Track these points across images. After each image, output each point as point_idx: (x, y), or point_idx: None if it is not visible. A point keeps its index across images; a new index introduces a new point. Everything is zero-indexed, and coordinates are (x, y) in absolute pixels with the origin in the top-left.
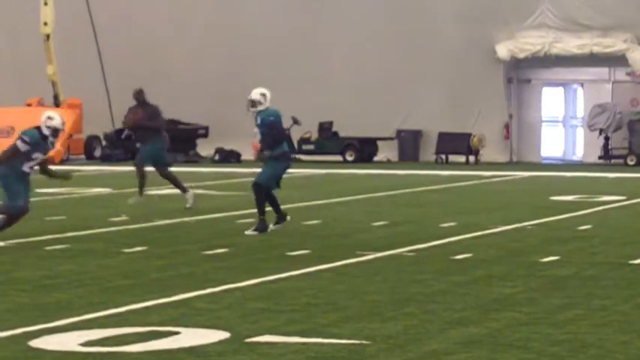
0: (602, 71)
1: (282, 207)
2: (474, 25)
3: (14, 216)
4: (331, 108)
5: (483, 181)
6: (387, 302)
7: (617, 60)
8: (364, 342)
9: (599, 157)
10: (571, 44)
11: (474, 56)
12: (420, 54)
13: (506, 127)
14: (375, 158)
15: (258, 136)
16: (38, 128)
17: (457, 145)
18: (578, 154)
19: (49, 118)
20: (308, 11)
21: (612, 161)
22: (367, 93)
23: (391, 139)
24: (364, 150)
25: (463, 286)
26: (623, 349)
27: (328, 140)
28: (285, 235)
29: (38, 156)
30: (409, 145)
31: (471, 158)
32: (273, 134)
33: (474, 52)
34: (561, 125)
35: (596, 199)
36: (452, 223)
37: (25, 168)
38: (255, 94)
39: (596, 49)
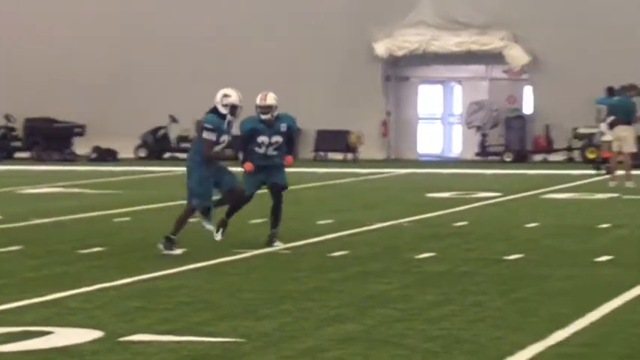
0: (480, 69)
1: (158, 205)
2: (353, 23)
3: (239, 199)
4: (209, 106)
5: (361, 178)
6: (262, 300)
7: (494, 57)
8: (239, 340)
9: (476, 154)
10: (449, 42)
11: (353, 54)
12: (298, 52)
13: (384, 124)
14: None
15: (274, 146)
16: (215, 110)
17: (335, 142)
18: (456, 151)
19: (226, 95)
20: (189, 8)
21: (489, 158)
22: (245, 90)
23: None
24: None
25: (339, 283)
26: (497, 344)
27: None
28: (161, 234)
29: (225, 138)
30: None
31: (349, 155)
32: (292, 139)
33: (352, 49)
34: (439, 122)
35: (472, 196)
36: (329, 221)
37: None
38: (271, 98)
39: (473, 47)
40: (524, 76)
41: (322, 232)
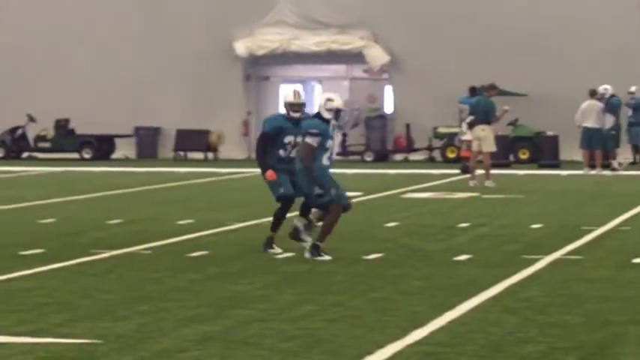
0: (340, 68)
1: (16, 206)
2: (212, 22)
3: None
4: (68, 105)
5: (221, 178)
6: (120, 301)
7: (354, 57)
8: (96, 341)
9: (337, 154)
10: (309, 41)
11: (213, 53)
12: (158, 51)
13: (245, 124)
14: (113, 156)
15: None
16: (318, 116)
17: (196, 142)
18: None
19: (329, 100)
20: (49, 9)
21: (350, 157)
22: (105, 90)
23: (129, 136)
24: (102, 147)
25: (198, 283)
26: (356, 343)
27: (65, 138)
28: (18, 235)
29: (330, 143)
30: (147, 142)
31: (210, 155)
32: None
33: (212, 49)
34: None
35: None
36: (189, 221)
37: (325, 161)
38: (303, 95)
39: (333, 47)
40: (385, 76)
41: (182, 232)
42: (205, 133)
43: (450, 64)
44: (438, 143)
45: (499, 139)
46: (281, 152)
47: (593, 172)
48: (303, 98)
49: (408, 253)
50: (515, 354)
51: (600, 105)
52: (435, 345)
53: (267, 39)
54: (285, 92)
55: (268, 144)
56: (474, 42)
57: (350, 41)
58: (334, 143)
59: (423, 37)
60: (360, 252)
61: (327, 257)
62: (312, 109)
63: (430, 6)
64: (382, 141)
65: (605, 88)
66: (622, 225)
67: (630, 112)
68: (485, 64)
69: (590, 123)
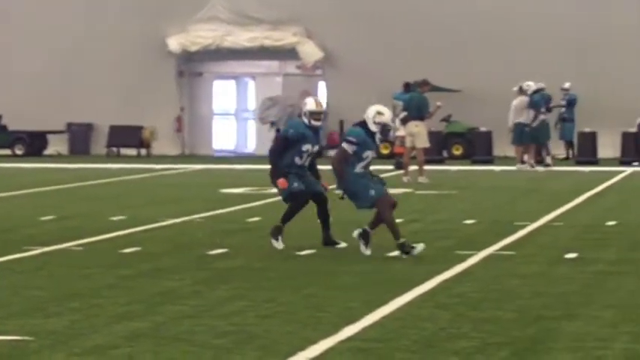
0: (273, 64)
1: None
2: (145, 18)
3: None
4: (0, 101)
5: (154, 174)
6: (51, 297)
7: (287, 53)
8: (27, 338)
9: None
10: (242, 37)
11: (145, 49)
12: (90, 47)
13: (178, 120)
14: (46, 152)
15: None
16: (364, 125)
17: (129, 138)
18: (250, 147)
19: (379, 113)
20: None
21: None
22: (37, 86)
23: (62, 132)
24: (34, 143)
25: (130, 279)
26: (288, 339)
27: None
28: None
29: (369, 154)
30: (80, 138)
31: (143, 151)
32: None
33: (145, 45)
34: (233, 118)
35: (266, 192)
36: (121, 217)
37: (358, 169)
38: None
39: (266, 43)
40: (318, 72)
41: (114, 229)
42: (138, 129)
43: (384, 60)
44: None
45: (432, 135)
46: (297, 159)
47: (526, 167)
48: (324, 107)
49: (341, 249)
50: (448, 349)
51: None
52: (367, 341)
53: (200, 35)
54: (307, 100)
55: (284, 150)
56: (408, 38)
57: (283, 37)
58: (370, 156)
59: (357, 34)
60: (293, 248)
61: (419, 247)
62: (247, 105)
63: (364, 2)
64: None
65: (528, 84)
66: (554, 221)
67: (564, 109)
68: (419, 60)
69: (523, 119)
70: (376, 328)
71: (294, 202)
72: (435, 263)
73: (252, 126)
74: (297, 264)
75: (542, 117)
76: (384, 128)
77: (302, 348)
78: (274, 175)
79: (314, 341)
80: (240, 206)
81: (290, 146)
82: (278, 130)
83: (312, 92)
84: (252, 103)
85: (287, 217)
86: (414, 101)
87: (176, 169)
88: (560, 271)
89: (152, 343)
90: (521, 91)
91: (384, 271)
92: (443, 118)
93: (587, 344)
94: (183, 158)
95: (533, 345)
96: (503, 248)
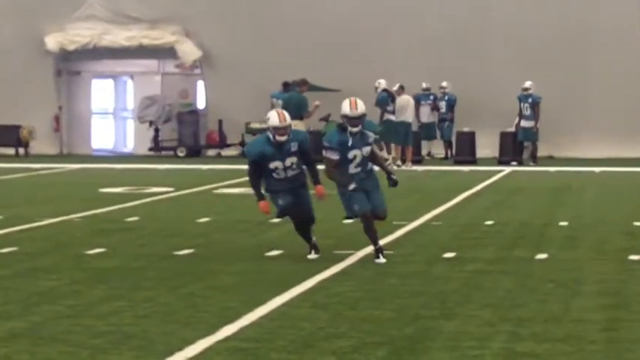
0: (152, 63)
1: None
2: (23, 16)
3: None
4: None
5: (32, 173)
6: None
7: (166, 52)
8: None
9: (150, 149)
10: (120, 36)
11: (23, 48)
12: None
13: (56, 119)
14: None
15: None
16: (340, 125)
17: (6, 137)
18: (129, 146)
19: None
20: None
21: (162, 153)
22: None
23: None
24: None
25: (6, 279)
26: (166, 339)
27: None
28: None
29: (353, 154)
30: None
31: (21, 150)
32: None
33: (22, 43)
34: (112, 117)
35: (145, 191)
36: None
37: (352, 169)
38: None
39: (145, 42)
40: (197, 71)
41: None
42: (16, 128)
43: (263, 59)
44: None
45: (311, 135)
46: (275, 176)
47: (403, 166)
48: (288, 120)
49: (219, 249)
50: (326, 349)
51: (412, 100)
52: (245, 340)
53: (78, 33)
54: (270, 115)
55: (257, 170)
56: (288, 37)
57: (161, 36)
58: (362, 152)
59: (236, 33)
60: (171, 248)
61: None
62: (126, 104)
63: (243, 1)
64: (195, 136)
65: (379, 82)
66: (433, 220)
67: (443, 109)
68: (299, 59)
69: (407, 117)
70: (254, 327)
71: (295, 218)
72: (314, 263)
73: (130, 125)
74: (176, 264)
75: (388, 116)
76: (356, 121)
77: (180, 348)
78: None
79: (192, 341)
80: (118, 205)
81: (261, 167)
82: (157, 130)
83: (191, 91)
84: (130, 103)
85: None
86: (293, 100)
87: (54, 168)
88: (439, 270)
89: (29, 343)
90: (402, 90)
91: (263, 271)
92: (322, 117)
93: (464, 343)
94: (61, 157)
95: (411, 344)
96: None
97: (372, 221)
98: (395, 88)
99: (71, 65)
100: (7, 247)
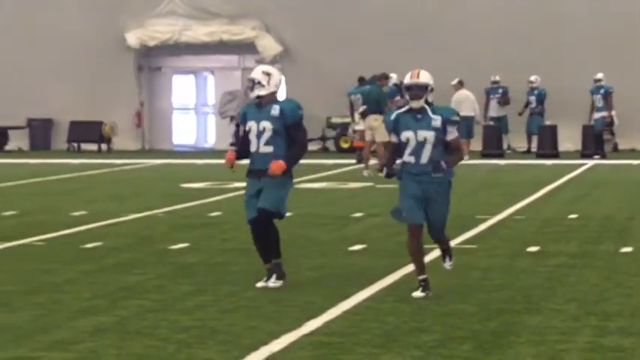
0: (232, 59)
1: None
2: (103, 13)
3: None
4: None
5: (115, 169)
6: (14, 292)
7: (246, 47)
8: None
9: (231, 144)
10: (200, 32)
11: (104, 44)
12: (49, 42)
13: (138, 115)
14: (6, 147)
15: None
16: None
17: (89, 133)
18: (210, 142)
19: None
20: None
21: None
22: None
23: (22, 128)
24: None
25: (92, 274)
26: (251, 333)
27: None
28: None
29: (408, 136)
30: (40, 134)
31: (104, 146)
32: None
33: (103, 40)
34: (193, 113)
35: (227, 186)
36: (83, 212)
37: (406, 157)
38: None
39: (225, 37)
40: (277, 66)
41: (76, 224)
42: (98, 124)
43: (342, 53)
44: (331, 133)
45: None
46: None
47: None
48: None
49: (302, 244)
50: (411, 343)
51: (471, 95)
52: (329, 335)
53: (159, 30)
54: None
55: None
56: (366, 31)
57: (241, 31)
58: (418, 135)
59: (315, 27)
60: (251, 242)
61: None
62: (206, 100)
63: None
64: None
65: (390, 76)
66: (516, 214)
67: (533, 103)
68: (377, 53)
69: (466, 112)
70: (338, 322)
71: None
72: (397, 257)
73: (211, 120)
74: (258, 258)
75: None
76: (399, 88)
77: (265, 342)
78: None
79: (277, 335)
80: (201, 201)
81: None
82: (237, 125)
83: None
84: (211, 98)
85: None
86: (373, 95)
87: (136, 164)
88: (522, 264)
89: (115, 337)
90: (461, 85)
91: (346, 265)
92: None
93: (549, 338)
94: (143, 153)
95: (495, 339)
96: (465, 242)
97: (418, 239)
98: (454, 82)
99: (152, 61)
100: (92, 242)
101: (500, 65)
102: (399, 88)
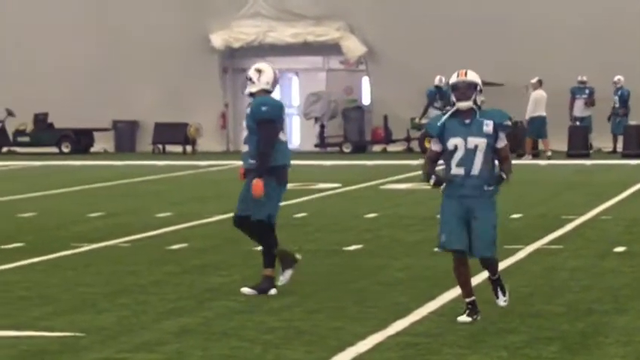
0: (317, 60)
1: None
2: (189, 15)
3: None
4: (46, 99)
5: (200, 170)
6: (101, 294)
7: (330, 48)
8: (77, 334)
9: (315, 146)
10: (285, 33)
11: (189, 46)
12: (134, 44)
13: (223, 116)
14: (92, 149)
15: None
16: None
17: (174, 135)
18: (295, 143)
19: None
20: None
21: (328, 149)
22: (82, 84)
23: (107, 129)
24: (80, 141)
25: (178, 276)
26: (337, 334)
27: (43, 132)
28: None
29: (456, 143)
30: (126, 135)
31: (188, 148)
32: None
33: (188, 42)
34: None
35: (311, 187)
36: (168, 213)
37: (454, 169)
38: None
39: (309, 38)
40: (361, 67)
41: (161, 225)
42: (183, 125)
43: (427, 54)
44: (415, 134)
45: None
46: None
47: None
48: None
49: (387, 244)
50: (498, 344)
51: (545, 95)
52: (416, 335)
53: (244, 31)
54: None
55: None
56: (450, 32)
57: (326, 33)
58: (467, 142)
59: (400, 28)
60: (339, 243)
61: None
62: (291, 101)
63: None
64: (360, 132)
65: (437, 78)
66: (602, 214)
67: (617, 104)
68: (461, 53)
69: (542, 112)
70: (425, 323)
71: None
72: None
73: (296, 121)
74: (344, 259)
75: (434, 111)
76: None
77: (351, 343)
78: None
79: (363, 336)
80: (286, 202)
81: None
82: (322, 126)
83: (356, 87)
84: (296, 99)
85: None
86: None
87: (221, 165)
88: (609, 264)
89: (201, 338)
90: (540, 84)
91: (431, 266)
92: None
93: (637, 338)
94: (228, 154)
95: (583, 339)
96: (550, 242)
97: (464, 265)
98: (533, 80)
99: (236, 62)
100: (177, 243)
101: (584, 65)
102: (440, 90)
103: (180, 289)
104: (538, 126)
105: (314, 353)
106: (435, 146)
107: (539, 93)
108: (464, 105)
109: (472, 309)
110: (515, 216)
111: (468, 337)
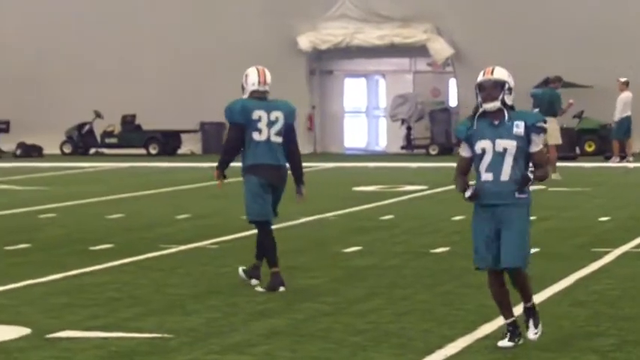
0: (403, 62)
1: (85, 201)
2: (276, 17)
3: None
4: (134, 101)
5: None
6: (189, 295)
7: (417, 50)
8: (166, 335)
9: (402, 147)
10: (372, 35)
11: (276, 47)
12: (220, 45)
13: (310, 118)
14: (179, 151)
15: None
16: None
17: None
18: (382, 145)
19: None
20: (107, 3)
21: (415, 151)
22: (170, 85)
23: (195, 131)
24: (168, 143)
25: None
26: (425, 337)
27: (131, 133)
28: (87, 230)
29: (484, 146)
30: (213, 137)
31: None
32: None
33: (275, 43)
34: (364, 116)
35: (398, 189)
36: None
37: (483, 176)
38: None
39: (396, 40)
40: (448, 69)
41: (248, 227)
42: None
43: (514, 56)
44: None
45: (564, 132)
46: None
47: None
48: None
49: None
50: (587, 347)
51: (631, 95)
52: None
53: (331, 33)
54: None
55: None
56: (538, 34)
57: (413, 34)
58: (496, 145)
59: (487, 29)
60: (426, 245)
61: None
62: (378, 103)
63: None
64: (447, 134)
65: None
66: None
67: None
68: (550, 56)
69: (628, 112)
70: None
71: None
72: (571, 261)
73: (383, 123)
74: (431, 262)
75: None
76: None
77: (440, 346)
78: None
79: (451, 339)
80: (373, 204)
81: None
82: (409, 128)
83: (443, 89)
84: (383, 101)
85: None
86: (547, 97)
87: (308, 167)
88: None
89: (290, 340)
90: (626, 86)
91: None
92: (575, 114)
93: None
94: (315, 156)
95: None
96: (639, 246)
97: (499, 282)
98: (622, 80)
99: (324, 64)
100: None
101: None
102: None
103: (268, 291)
104: (626, 127)
105: (402, 356)
106: (463, 152)
107: (626, 94)
108: (490, 106)
109: (513, 331)
110: (603, 219)
111: (557, 341)
